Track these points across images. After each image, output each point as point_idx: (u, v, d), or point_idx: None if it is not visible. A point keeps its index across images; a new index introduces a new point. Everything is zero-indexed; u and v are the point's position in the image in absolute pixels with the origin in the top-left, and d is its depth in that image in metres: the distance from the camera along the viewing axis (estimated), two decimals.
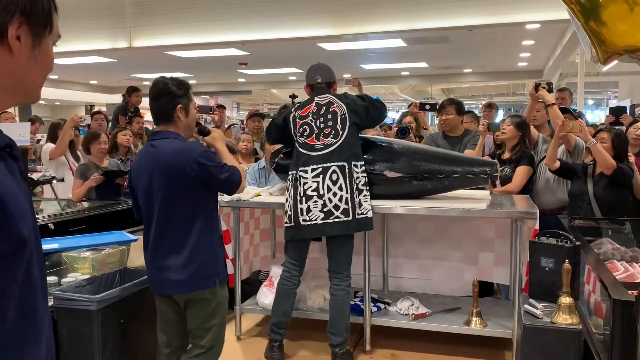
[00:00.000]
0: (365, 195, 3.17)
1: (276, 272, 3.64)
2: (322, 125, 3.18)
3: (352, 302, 3.60)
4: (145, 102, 3.68)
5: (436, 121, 4.84)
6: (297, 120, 3.24)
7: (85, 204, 4.46)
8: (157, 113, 2.47)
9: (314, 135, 3.19)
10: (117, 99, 6.96)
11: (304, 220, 3.14)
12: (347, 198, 3.11)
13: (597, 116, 16.17)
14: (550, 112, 4.12)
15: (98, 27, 8.57)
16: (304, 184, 3.14)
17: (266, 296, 3.69)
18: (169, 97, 2.41)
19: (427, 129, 5.72)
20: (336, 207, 3.11)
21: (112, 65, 11.97)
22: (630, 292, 1.90)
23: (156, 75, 2.56)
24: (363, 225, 3.17)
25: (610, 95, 17.96)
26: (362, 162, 3.20)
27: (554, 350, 2.25)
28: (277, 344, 3.32)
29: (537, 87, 4.14)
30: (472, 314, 3.33)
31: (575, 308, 2.36)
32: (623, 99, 12.54)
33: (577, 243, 2.50)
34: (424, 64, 13.09)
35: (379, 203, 3.31)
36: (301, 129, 3.22)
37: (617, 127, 4.00)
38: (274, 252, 4.26)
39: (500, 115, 7.28)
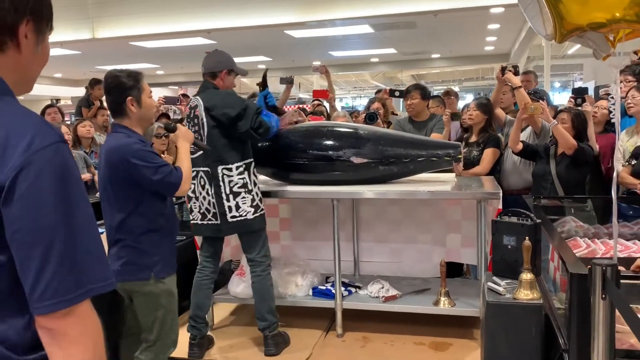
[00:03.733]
0: (245, 198, 3.10)
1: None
2: (192, 129, 3.09)
3: (324, 287, 3.64)
4: None
5: None
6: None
7: None
8: (110, 107, 2.48)
9: None
10: (83, 92, 6.83)
11: (192, 218, 3.25)
12: (213, 203, 3.10)
13: (565, 98, 16.46)
14: (516, 95, 4.17)
15: (59, 17, 8.14)
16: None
17: (238, 285, 3.69)
18: (119, 89, 2.39)
19: (396, 115, 5.76)
20: (207, 210, 3.14)
21: (76, 58, 11.70)
22: (587, 266, 1.96)
23: (122, 67, 2.54)
24: (238, 228, 3.16)
25: (576, 77, 18.29)
26: (240, 164, 3.08)
27: (516, 325, 2.31)
28: (195, 341, 3.26)
29: (503, 70, 4.19)
30: (441, 294, 3.38)
31: (537, 283, 2.42)
32: (588, 80, 12.77)
33: (538, 221, 2.56)
34: (392, 50, 13.12)
35: (348, 189, 3.35)
36: None
37: (576, 108, 4.08)
38: None
39: (469, 99, 7.36)
